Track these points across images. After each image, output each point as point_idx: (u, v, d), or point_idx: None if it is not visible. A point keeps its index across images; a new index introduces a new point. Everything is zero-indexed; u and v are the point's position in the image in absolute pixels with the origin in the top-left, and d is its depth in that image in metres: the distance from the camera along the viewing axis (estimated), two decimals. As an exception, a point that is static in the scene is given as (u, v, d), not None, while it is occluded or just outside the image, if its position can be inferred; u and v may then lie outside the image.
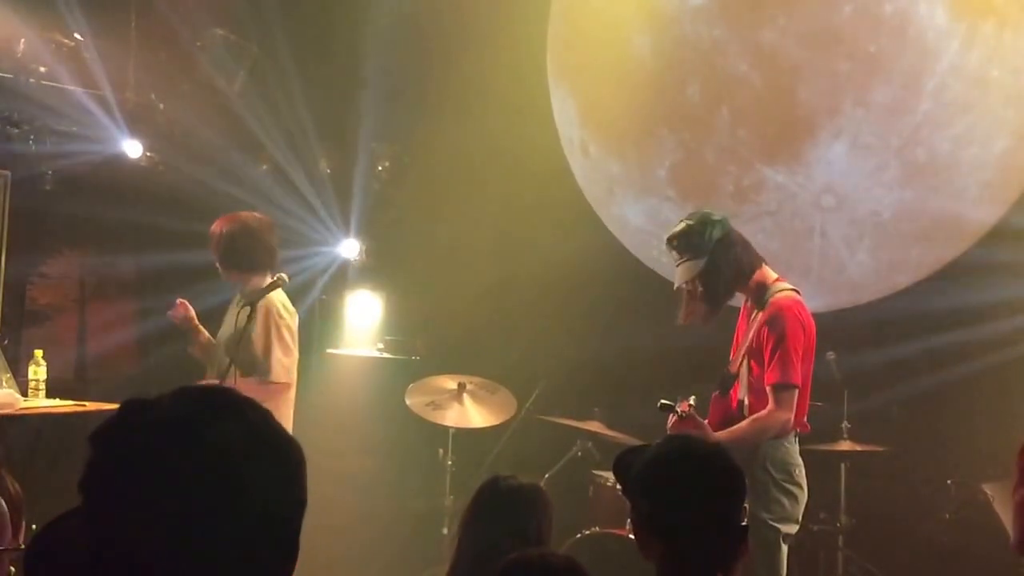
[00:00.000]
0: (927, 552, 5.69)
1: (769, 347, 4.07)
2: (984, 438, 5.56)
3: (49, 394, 5.65)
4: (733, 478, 2.39)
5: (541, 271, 6.58)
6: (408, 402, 5.71)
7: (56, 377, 5.75)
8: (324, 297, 7.03)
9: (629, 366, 6.41)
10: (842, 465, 5.67)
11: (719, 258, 4.17)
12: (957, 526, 5.59)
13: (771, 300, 4.16)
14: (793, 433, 4.15)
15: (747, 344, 4.18)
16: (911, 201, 6.09)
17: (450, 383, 5.91)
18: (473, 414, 5.83)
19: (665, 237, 4.34)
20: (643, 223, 6.71)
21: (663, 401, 4.05)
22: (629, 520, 3.77)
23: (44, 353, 5.67)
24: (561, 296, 6.58)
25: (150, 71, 6.39)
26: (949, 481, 5.69)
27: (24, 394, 5.57)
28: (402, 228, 7.11)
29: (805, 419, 4.21)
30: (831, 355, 5.47)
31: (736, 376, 4.21)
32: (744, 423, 4.09)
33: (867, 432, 5.67)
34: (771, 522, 4.03)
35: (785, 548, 4.07)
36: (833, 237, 6.22)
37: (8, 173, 6.14)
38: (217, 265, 4.83)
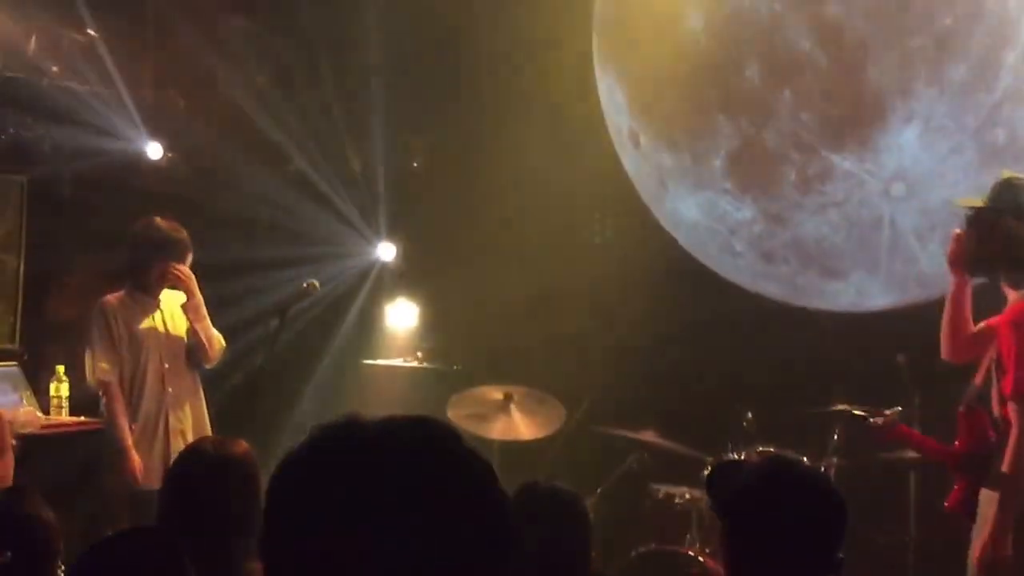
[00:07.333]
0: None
1: (1013, 354, 3.83)
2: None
3: (72, 411, 5.70)
4: (839, 510, 2.37)
5: (590, 271, 6.46)
6: (450, 414, 5.59)
7: (79, 394, 5.64)
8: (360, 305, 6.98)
9: (686, 373, 6.27)
10: (911, 474, 5.54)
11: (1015, 227, 3.98)
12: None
13: (1013, 303, 3.96)
14: None
15: (993, 354, 4.00)
16: (989, 187, 5.78)
17: (495, 394, 5.82)
18: (521, 426, 5.74)
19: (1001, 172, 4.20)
20: (698, 218, 6.56)
21: (857, 412, 4.22)
22: (718, 539, 3.72)
23: (66, 369, 5.70)
24: (612, 298, 6.45)
25: (168, 67, 6.40)
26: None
27: (46, 412, 5.68)
28: (440, 228, 7.01)
29: None
30: (901, 358, 5.32)
31: (980, 389, 4.06)
32: (1010, 452, 3.80)
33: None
34: None
35: None
36: (903, 228, 6.02)
37: (24, 179, 6.04)
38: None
